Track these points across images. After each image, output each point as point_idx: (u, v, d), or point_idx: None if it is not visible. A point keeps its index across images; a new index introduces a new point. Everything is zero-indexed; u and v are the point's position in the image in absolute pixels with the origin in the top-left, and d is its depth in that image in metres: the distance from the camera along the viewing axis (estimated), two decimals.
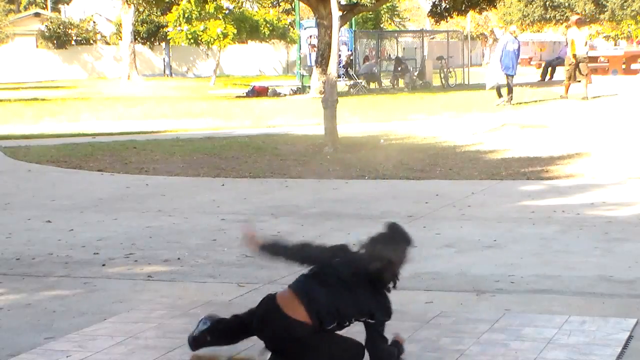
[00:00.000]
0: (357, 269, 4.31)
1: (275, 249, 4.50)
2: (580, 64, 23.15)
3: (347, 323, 4.31)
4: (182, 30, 40.50)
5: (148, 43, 56.69)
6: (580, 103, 21.97)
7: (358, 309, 4.27)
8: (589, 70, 23.75)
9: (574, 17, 26.19)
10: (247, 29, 42.73)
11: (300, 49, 36.46)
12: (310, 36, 33.59)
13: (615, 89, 25.38)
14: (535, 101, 23.33)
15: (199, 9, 39.13)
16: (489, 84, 24.13)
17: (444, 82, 33.73)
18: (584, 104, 21.90)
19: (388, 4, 47.20)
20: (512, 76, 22.48)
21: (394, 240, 4.37)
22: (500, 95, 22.49)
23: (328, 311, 4.24)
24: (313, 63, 30.89)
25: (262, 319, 4.32)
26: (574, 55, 23.02)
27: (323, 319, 4.23)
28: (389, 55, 39.21)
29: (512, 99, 22.10)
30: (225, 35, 40.35)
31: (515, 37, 23.48)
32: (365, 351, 4.35)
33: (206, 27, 40.05)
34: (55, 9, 67.94)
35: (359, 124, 18.26)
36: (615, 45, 63.38)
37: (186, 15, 39.82)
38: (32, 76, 52.63)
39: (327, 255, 4.42)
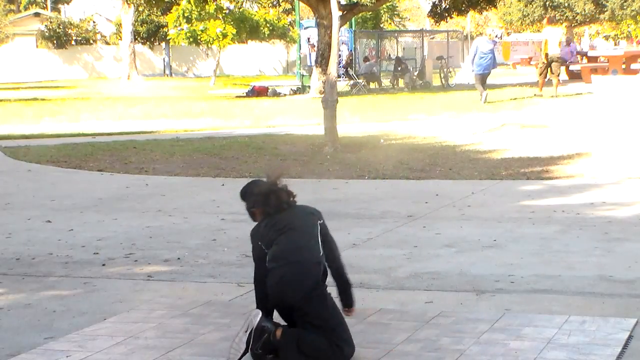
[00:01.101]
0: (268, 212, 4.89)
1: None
2: (553, 64, 24.00)
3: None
4: (182, 30, 40.51)
5: (148, 43, 56.70)
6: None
7: (310, 217, 4.87)
8: (559, 71, 24.59)
9: (547, 17, 27.13)
10: (247, 29, 42.73)
11: (300, 49, 36.46)
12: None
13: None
14: (512, 99, 23.89)
15: (199, 9, 39.15)
16: (453, 83, 24.98)
17: (444, 82, 33.72)
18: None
19: (388, 4, 47.18)
20: (487, 75, 23.43)
21: (252, 187, 5.01)
22: (484, 90, 23.23)
23: (306, 235, 4.76)
24: (313, 63, 30.90)
25: (287, 278, 4.59)
26: (547, 55, 23.92)
27: (314, 240, 4.74)
28: (389, 55, 39.21)
29: (486, 98, 22.84)
30: (224, 36, 40.35)
31: (491, 39, 24.39)
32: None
33: (206, 27, 40.06)
34: (55, 9, 67.95)
35: (359, 124, 18.26)
36: (615, 45, 63.40)
37: (186, 15, 39.83)
38: (32, 76, 52.66)
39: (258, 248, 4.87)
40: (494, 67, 24.07)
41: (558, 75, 24.37)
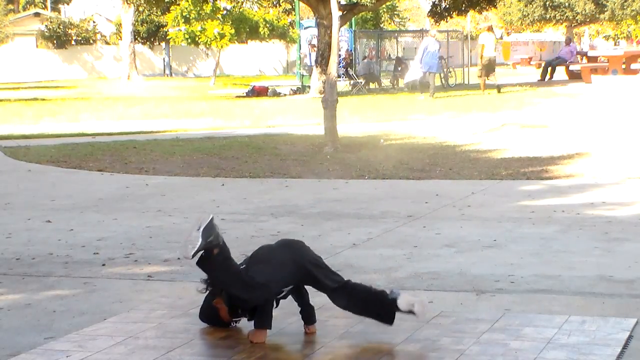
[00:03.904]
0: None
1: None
2: (490, 64, 27.77)
3: None
4: (180, 30, 40.49)
5: (148, 43, 56.68)
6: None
7: None
8: (492, 71, 27.99)
9: (486, 24, 31.52)
10: (246, 29, 42.69)
11: (300, 49, 36.45)
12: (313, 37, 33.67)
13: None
14: (457, 95, 25.98)
15: (197, 9, 39.11)
16: (405, 80, 29.16)
17: (444, 82, 33.69)
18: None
19: (388, 4, 47.14)
20: (434, 73, 26.84)
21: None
22: (421, 92, 26.27)
23: None
24: (313, 63, 30.89)
25: None
26: (482, 57, 27.60)
27: None
28: (389, 55, 39.18)
29: (433, 94, 25.62)
30: (222, 36, 40.33)
31: (436, 40, 27.52)
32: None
33: (204, 28, 40.03)
34: (55, 9, 67.95)
35: (359, 124, 18.26)
36: (615, 45, 63.44)
37: (184, 15, 39.80)
38: (32, 76, 52.62)
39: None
40: (439, 68, 27.76)
41: (488, 76, 27.71)
